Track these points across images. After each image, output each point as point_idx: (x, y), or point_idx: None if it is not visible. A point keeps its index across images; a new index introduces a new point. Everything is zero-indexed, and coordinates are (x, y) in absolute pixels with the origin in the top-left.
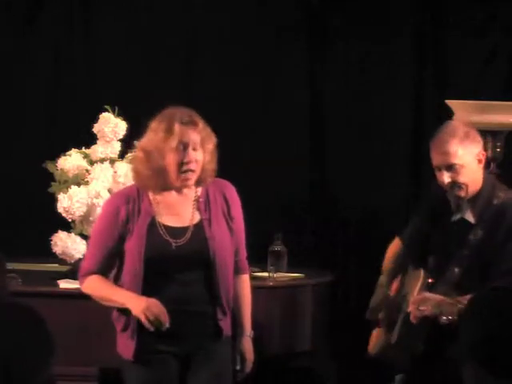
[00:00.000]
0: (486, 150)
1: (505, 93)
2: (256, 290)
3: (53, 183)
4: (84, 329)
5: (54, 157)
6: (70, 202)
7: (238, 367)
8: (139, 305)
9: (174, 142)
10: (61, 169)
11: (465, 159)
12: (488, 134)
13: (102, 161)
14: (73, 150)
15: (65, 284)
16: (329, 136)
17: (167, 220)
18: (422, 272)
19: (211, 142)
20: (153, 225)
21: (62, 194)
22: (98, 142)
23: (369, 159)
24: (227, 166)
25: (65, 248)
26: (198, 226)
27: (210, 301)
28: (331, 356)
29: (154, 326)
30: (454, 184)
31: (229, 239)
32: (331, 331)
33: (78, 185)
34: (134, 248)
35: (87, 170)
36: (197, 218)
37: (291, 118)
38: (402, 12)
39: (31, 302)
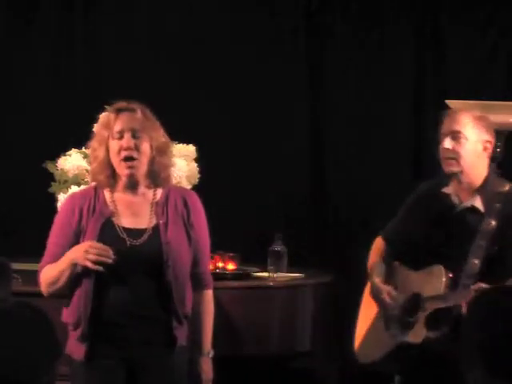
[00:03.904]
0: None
1: (505, 93)
2: (256, 290)
3: (53, 183)
4: None
5: (54, 157)
6: None
7: None
8: (79, 251)
9: (110, 131)
10: (61, 169)
11: (469, 133)
12: None
13: None
14: (73, 150)
15: None
16: (328, 136)
17: (124, 221)
18: (441, 268)
19: (156, 129)
20: (108, 225)
21: (61, 193)
22: None
23: (369, 159)
24: (227, 166)
25: None
26: (155, 229)
27: (164, 307)
28: (331, 356)
29: (100, 265)
30: (449, 153)
31: (186, 246)
32: (331, 331)
33: (78, 185)
34: None
35: (87, 170)
36: (154, 220)
37: (291, 119)
38: (403, 12)
39: (31, 302)
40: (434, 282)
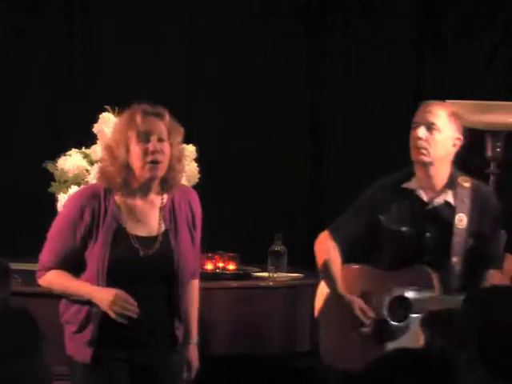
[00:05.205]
0: (487, 149)
1: (505, 93)
2: (256, 290)
3: (53, 183)
4: None
5: (54, 157)
6: None
7: (185, 374)
8: (106, 298)
9: (136, 133)
10: (61, 169)
11: (444, 127)
12: (488, 133)
13: None
14: (73, 149)
15: None
16: (329, 136)
17: (135, 228)
18: (427, 268)
19: (179, 136)
20: (120, 233)
21: (61, 193)
22: (97, 141)
23: (369, 159)
24: (227, 166)
25: None
26: (165, 236)
27: (170, 310)
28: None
29: (122, 318)
30: (422, 142)
31: (191, 250)
32: None
33: (78, 185)
34: (97, 255)
35: (87, 170)
36: (163, 227)
37: (291, 119)
38: (403, 12)
39: (30, 301)
40: (423, 283)
